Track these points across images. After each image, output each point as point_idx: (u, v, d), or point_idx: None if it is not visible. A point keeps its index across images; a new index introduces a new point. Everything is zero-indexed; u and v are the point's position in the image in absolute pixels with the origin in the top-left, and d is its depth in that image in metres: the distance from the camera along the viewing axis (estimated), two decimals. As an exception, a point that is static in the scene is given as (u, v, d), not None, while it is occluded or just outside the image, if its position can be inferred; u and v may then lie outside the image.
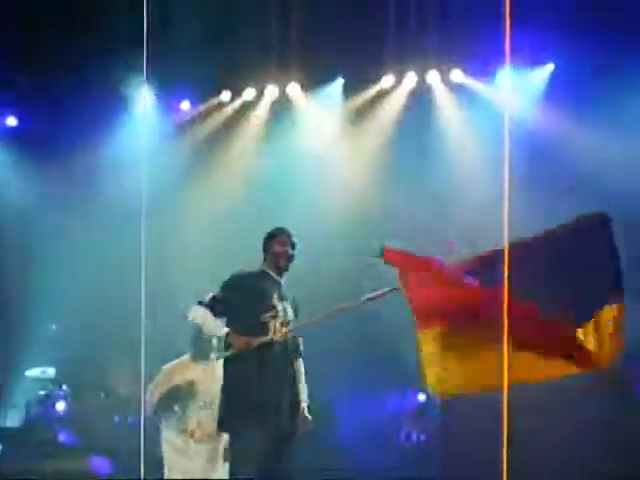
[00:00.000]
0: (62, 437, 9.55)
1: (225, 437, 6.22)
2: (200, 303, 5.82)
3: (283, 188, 9.83)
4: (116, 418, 9.74)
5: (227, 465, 6.08)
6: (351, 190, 9.70)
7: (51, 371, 9.94)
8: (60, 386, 9.82)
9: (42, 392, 9.81)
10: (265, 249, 5.96)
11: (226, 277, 5.86)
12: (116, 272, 9.23)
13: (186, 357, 7.12)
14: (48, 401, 9.72)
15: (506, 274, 5.79)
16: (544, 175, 9.28)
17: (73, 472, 8.70)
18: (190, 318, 5.84)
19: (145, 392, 6.66)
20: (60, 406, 9.70)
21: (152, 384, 6.71)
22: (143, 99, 9.95)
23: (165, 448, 6.71)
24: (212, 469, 6.65)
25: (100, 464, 9.04)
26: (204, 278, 9.59)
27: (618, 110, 9.17)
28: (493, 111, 9.28)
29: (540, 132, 9.53)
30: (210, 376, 6.68)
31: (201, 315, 5.79)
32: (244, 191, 9.95)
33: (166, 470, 6.70)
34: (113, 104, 9.91)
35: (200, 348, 6.76)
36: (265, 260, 5.96)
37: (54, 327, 10.17)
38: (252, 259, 9.37)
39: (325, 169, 9.75)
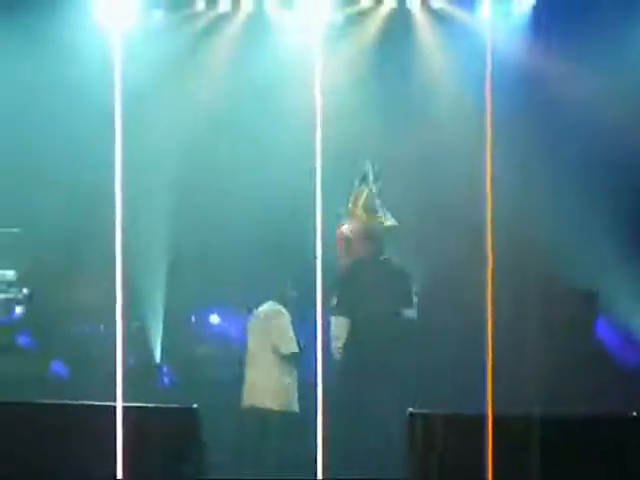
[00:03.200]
0: (21, 340, 9.50)
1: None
2: None
3: (259, 99, 9.73)
4: (75, 327, 9.70)
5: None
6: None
7: (11, 274, 9.80)
8: (20, 289, 9.71)
9: (1, 295, 9.69)
10: None
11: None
12: (89, 173, 9.05)
13: None
14: (7, 304, 9.60)
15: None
16: (526, 108, 9.29)
17: (31, 374, 8.75)
18: None
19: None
20: (19, 310, 9.61)
21: None
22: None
23: None
24: None
25: (58, 368, 9.09)
26: (181, 184, 9.69)
27: (603, 44, 9.20)
28: (474, 41, 9.21)
29: (522, 64, 9.53)
30: None
31: None
32: (220, 101, 9.79)
33: None
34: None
35: None
36: None
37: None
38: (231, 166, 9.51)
39: (300, 84, 9.63)
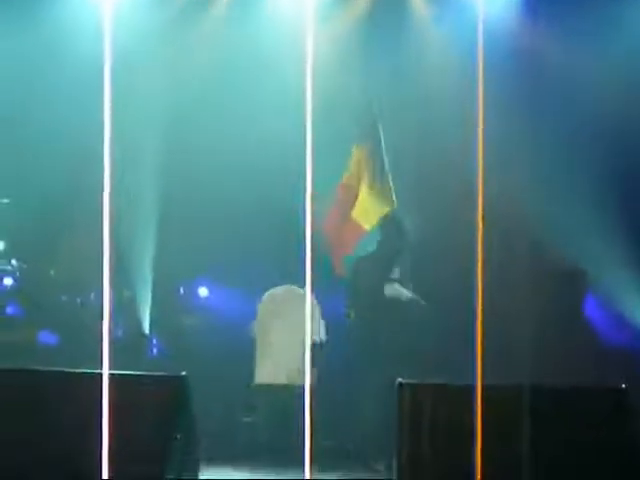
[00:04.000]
0: (9, 310, 9.50)
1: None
2: None
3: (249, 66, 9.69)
4: (64, 296, 9.69)
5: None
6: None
7: (0, 245, 9.77)
8: (9, 260, 9.69)
9: (-10, 266, 9.68)
10: None
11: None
12: (77, 144, 8.99)
13: None
14: (-4, 275, 9.62)
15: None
16: (518, 80, 9.29)
17: (19, 343, 8.77)
18: None
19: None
20: (8, 281, 9.59)
21: None
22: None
23: None
24: None
25: (46, 337, 9.11)
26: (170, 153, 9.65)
27: (597, 19, 9.22)
28: (467, 13, 9.17)
29: (515, 37, 9.52)
30: None
31: None
32: (214, 72, 9.73)
33: None
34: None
35: None
36: None
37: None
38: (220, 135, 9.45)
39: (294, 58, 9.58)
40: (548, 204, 9.37)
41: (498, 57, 8.24)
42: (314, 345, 8.21)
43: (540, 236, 9.26)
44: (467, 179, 6.60)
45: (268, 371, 8.44)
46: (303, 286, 8.07)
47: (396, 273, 8.85)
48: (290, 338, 8.35)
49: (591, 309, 9.66)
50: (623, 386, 4.95)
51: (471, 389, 4.95)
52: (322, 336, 8.43)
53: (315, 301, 8.37)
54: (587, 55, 9.30)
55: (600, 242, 9.39)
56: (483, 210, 6.31)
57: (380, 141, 8.91)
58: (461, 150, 7.42)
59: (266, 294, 8.69)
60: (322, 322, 8.48)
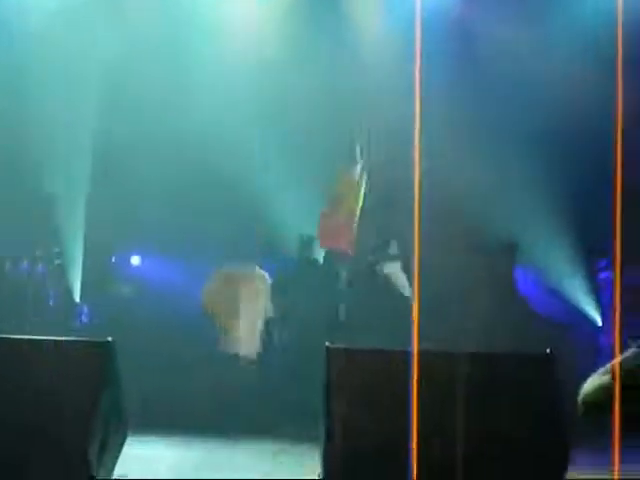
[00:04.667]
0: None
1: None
2: None
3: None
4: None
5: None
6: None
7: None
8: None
9: None
10: None
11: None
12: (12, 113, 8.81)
13: None
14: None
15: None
16: (454, 56, 9.32)
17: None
18: None
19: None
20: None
21: None
22: None
23: None
24: None
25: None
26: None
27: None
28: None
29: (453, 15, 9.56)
30: None
31: None
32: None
33: None
34: None
35: None
36: None
37: None
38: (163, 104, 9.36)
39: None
40: (484, 181, 9.45)
41: (437, 41, 8.29)
42: (267, 321, 8.71)
43: (475, 212, 9.35)
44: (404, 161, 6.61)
45: (222, 341, 8.58)
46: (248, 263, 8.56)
47: (394, 248, 9.10)
48: (244, 313, 8.58)
49: (521, 280, 9.78)
50: (548, 351, 5.02)
51: (405, 355, 4.93)
52: (272, 313, 8.74)
53: (267, 279, 8.74)
54: (527, 37, 9.37)
55: (532, 217, 9.49)
56: (420, 189, 6.30)
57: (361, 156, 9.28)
58: (399, 127, 7.45)
59: (222, 270, 8.77)
60: (270, 300, 8.73)
